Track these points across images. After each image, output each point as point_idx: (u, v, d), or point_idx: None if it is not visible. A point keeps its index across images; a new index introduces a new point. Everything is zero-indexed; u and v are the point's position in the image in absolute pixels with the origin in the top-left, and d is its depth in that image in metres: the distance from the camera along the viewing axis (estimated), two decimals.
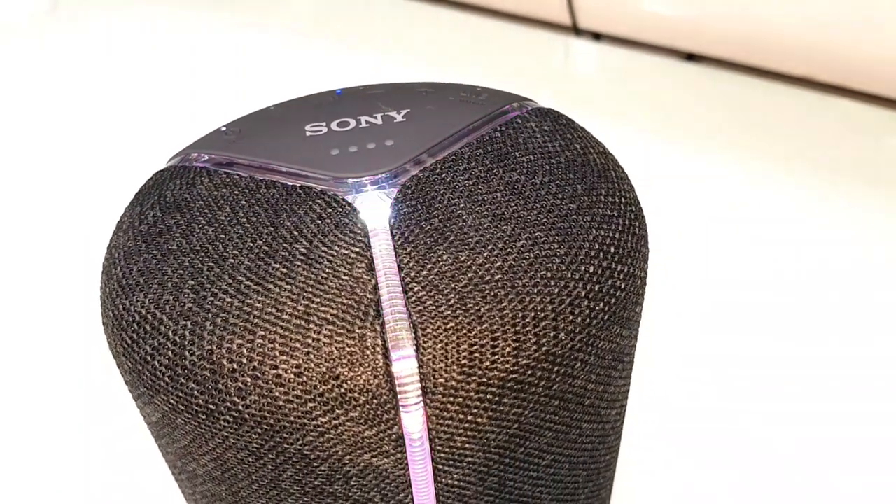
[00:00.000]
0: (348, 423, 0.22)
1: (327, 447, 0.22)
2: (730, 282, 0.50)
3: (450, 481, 0.24)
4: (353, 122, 0.28)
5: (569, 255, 0.23)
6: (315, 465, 0.23)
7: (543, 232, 0.24)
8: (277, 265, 0.23)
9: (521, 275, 0.23)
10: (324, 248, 0.23)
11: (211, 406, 0.22)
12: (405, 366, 0.21)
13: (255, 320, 0.22)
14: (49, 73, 0.85)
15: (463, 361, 0.22)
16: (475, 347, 0.22)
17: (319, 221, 0.24)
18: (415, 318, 0.22)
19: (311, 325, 0.22)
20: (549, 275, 0.23)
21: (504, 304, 0.22)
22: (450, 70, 0.76)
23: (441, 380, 0.22)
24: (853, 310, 0.48)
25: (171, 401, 0.23)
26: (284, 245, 0.23)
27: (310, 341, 0.21)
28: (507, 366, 0.22)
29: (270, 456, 0.23)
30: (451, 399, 0.22)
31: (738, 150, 0.64)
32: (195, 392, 0.22)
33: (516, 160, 0.26)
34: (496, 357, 0.22)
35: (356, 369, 0.21)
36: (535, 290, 0.22)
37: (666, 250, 0.51)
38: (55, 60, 0.88)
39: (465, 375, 0.22)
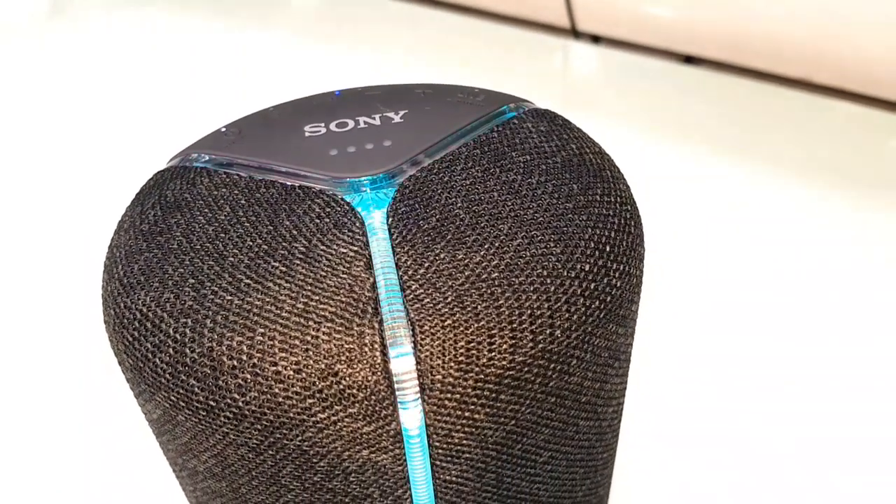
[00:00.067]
0: (347, 420, 0.22)
1: (326, 443, 0.22)
2: (727, 282, 0.51)
3: (448, 477, 0.24)
4: (351, 123, 0.29)
5: (565, 253, 0.24)
6: (314, 461, 0.23)
7: (540, 231, 0.24)
8: (277, 264, 0.23)
9: (517, 273, 0.23)
10: (323, 247, 0.24)
11: (211, 402, 0.22)
12: (403, 363, 0.22)
13: (255, 318, 0.22)
14: (49, 73, 0.85)
15: (460, 358, 0.22)
16: (472, 344, 0.22)
17: (318, 221, 0.24)
18: (412, 315, 0.22)
19: (311, 323, 0.22)
20: (545, 273, 0.23)
21: (501, 302, 0.22)
22: (449, 72, 0.77)
23: (438, 376, 0.22)
24: (851, 310, 0.48)
25: (172, 397, 0.23)
26: (284, 244, 0.24)
27: (309, 338, 0.22)
28: (504, 362, 0.22)
29: (270, 452, 0.23)
30: (449, 395, 0.22)
31: (735, 152, 0.64)
32: (196, 389, 0.22)
33: (513, 160, 0.26)
34: (493, 354, 0.22)
35: (355, 366, 0.22)
36: (532, 288, 0.23)
37: (663, 251, 0.51)
38: (55, 61, 0.88)
39: (462, 372, 0.22)
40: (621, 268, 0.25)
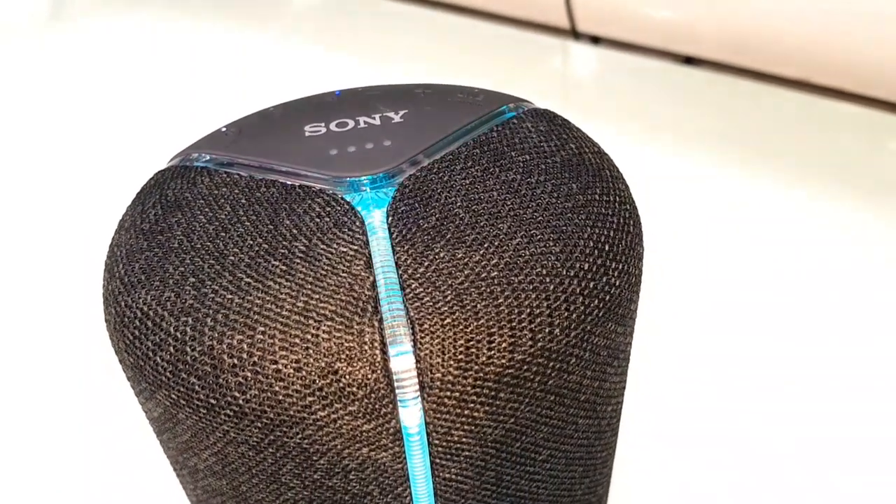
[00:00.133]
0: (347, 417, 0.22)
1: (326, 441, 0.22)
2: (726, 282, 0.51)
3: (447, 475, 0.24)
4: (351, 123, 0.29)
5: (564, 252, 0.24)
6: (314, 458, 0.23)
7: (539, 230, 0.24)
8: (277, 262, 0.23)
9: (516, 272, 0.23)
10: (323, 246, 0.24)
11: (212, 400, 0.22)
12: (403, 361, 0.22)
13: (256, 316, 0.22)
14: (50, 74, 0.86)
15: (460, 356, 0.22)
16: (472, 343, 0.22)
17: (318, 220, 0.24)
18: (412, 314, 0.22)
19: (311, 321, 0.22)
20: (544, 272, 0.23)
21: (500, 301, 0.22)
22: (449, 73, 0.77)
23: (438, 374, 0.22)
24: (851, 310, 0.48)
25: (173, 396, 0.23)
26: (284, 243, 0.24)
27: (309, 337, 0.22)
28: (504, 361, 0.22)
29: (270, 450, 0.23)
30: (448, 393, 0.22)
31: (735, 153, 0.64)
32: (196, 387, 0.22)
33: (512, 160, 0.27)
34: (492, 352, 0.22)
35: (354, 364, 0.22)
36: (531, 287, 0.23)
37: (662, 251, 0.51)
38: (56, 62, 0.88)
39: (461, 370, 0.22)
40: (620, 267, 0.25)
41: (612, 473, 0.35)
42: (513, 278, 0.23)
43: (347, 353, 0.22)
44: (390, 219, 0.24)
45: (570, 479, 0.28)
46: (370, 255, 0.23)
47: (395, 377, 0.22)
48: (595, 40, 0.84)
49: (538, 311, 0.23)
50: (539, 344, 0.23)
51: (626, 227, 0.26)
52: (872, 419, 0.41)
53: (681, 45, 0.77)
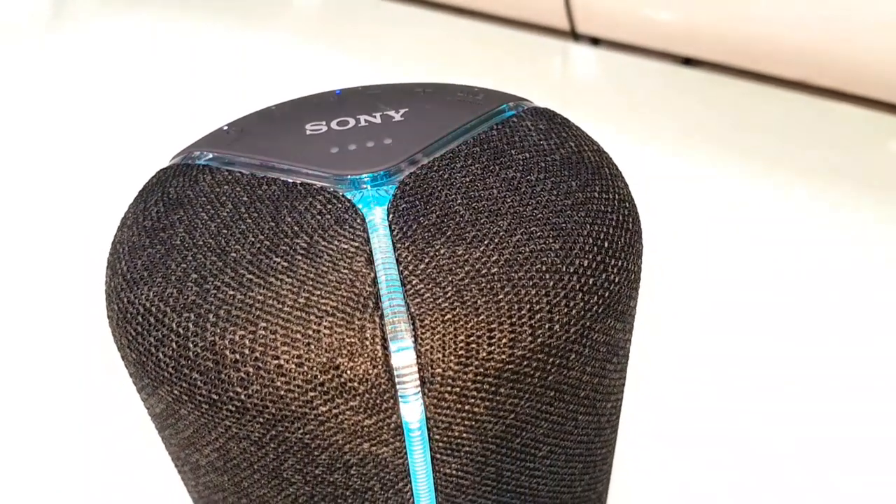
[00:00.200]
0: (348, 412, 0.22)
1: (328, 436, 0.23)
2: (725, 282, 0.51)
3: (448, 471, 0.24)
4: (352, 122, 0.29)
5: (563, 249, 0.24)
6: (316, 453, 0.23)
7: (539, 227, 0.24)
8: (279, 259, 0.23)
9: (516, 268, 0.23)
10: (324, 243, 0.24)
11: (214, 396, 0.23)
12: (404, 356, 0.22)
13: (257, 312, 0.22)
14: (52, 74, 0.86)
15: (460, 352, 0.22)
16: (472, 338, 0.22)
17: (319, 217, 0.25)
18: (413, 310, 0.22)
19: (312, 317, 0.22)
20: (544, 268, 0.23)
21: (500, 297, 0.23)
22: (449, 74, 0.77)
23: (439, 370, 0.22)
24: (851, 310, 0.48)
25: (175, 391, 0.23)
26: (285, 240, 0.24)
27: (310, 332, 0.22)
28: (504, 356, 0.22)
29: (272, 445, 0.23)
30: (449, 388, 0.22)
31: (735, 154, 0.64)
32: (198, 382, 0.23)
33: (512, 158, 0.27)
34: (492, 348, 0.22)
35: (356, 359, 0.22)
36: (531, 283, 0.23)
37: (662, 251, 0.51)
38: (57, 62, 0.89)
39: (462, 365, 0.22)
40: (619, 263, 0.25)
41: (612, 471, 0.35)
42: (513, 274, 0.23)
43: (349, 348, 0.22)
44: (391, 216, 0.25)
45: (569, 476, 0.28)
46: (371, 251, 0.23)
47: (395, 372, 0.22)
48: (595, 42, 0.84)
49: (538, 307, 0.23)
50: (539, 340, 0.23)
51: (626, 224, 0.26)
52: (872, 419, 0.41)
53: (680, 47, 0.78)
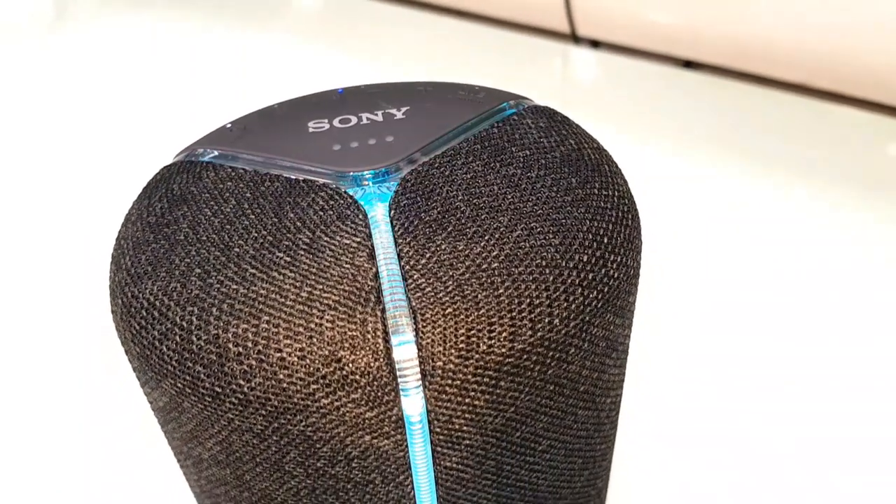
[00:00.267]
0: (350, 405, 0.22)
1: (329, 428, 0.23)
2: (725, 282, 0.51)
3: (448, 464, 0.24)
4: (354, 119, 0.29)
5: (563, 244, 0.24)
6: (318, 446, 0.23)
7: (539, 223, 0.24)
8: (281, 254, 0.24)
9: (516, 263, 0.23)
10: (326, 238, 0.24)
11: (217, 389, 0.23)
12: (405, 350, 0.22)
13: (260, 306, 0.23)
14: (55, 74, 0.86)
15: (461, 345, 0.22)
16: (472, 332, 0.22)
17: (322, 213, 0.25)
18: (414, 304, 0.22)
19: (314, 311, 0.22)
20: (543, 263, 0.24)
21: (500, 291, 0.23)
22: (450, 76, 0.77)
23: (439, 363, 0.22)
24: (851, 311, 0.48)
25: (179, 384, 0.23)
26: (288, 235, 0.24)
27: (313, 326, 0.22)
28: (504, 350, 0.23)
29: (274, 438, 0.23)
30: (450, 382, 0.23)
31: (735, 155, 0.65)
32: (202, 375, 0.23)
33: (513, 155, 0.27)
34: (493, 341, 0.23)
35: (357, 352, 0.22)
36: (531, 278, 0.23)
37: (662, 251, 0.52)
38: (61, 62, 0.89)
39: (462, 359, 0.22)
40: (619, 259, 0.25)
41: (612, 469, 0.35)
42: (513, 269, 0.23)
43: (350, 341, 0.22)
44: (392, 212, 0.25)
45: (569, 471, 0.28)
46: (373, 246, 0.24)
47: (397, 366, 0.22)
48: (595, 44, 0.85)
49: (538, 301, 0.23)
50: (539, 334, 0.23)
51: (625, 220, 0.26)
52: (872, 419, 0.41)
53: (680, 49, 0.78)
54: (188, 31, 0.93)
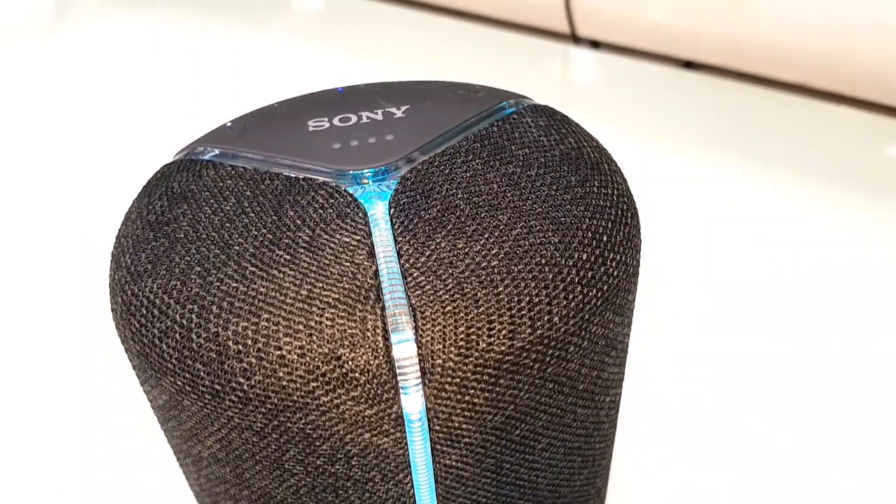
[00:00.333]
0: (349, 403, 0.22)
1: (329, 426, 0.23)
2: (725, 282, 0.51)
3: (448, 462, 0.24)
4: (354, 118, 0.29)
5: (563, 242, 0.24)
6: (317, 444, 0.23)
7: (538, 221, 0.24)
8: (281, 252, 0.24)
9: (516, 261, 0.23)
10: (326, 237, 0.24)
11: (217, 386, 0.23)
12: (405, 347, 0.22)
13: (260, 304, 0.23)
14: (56, 74, 0.86)
15: (460, 343, 0.22)
16: (472, 330, 0.22)
17: (322, 211, 0.25)
18: (414, 301, 0.23)
19: (314, 309, 0.22)
20: (543, 261, 0.24)
21: (500, 289, 0.23)
22: (450, 77, 0.77)
23: (439, 361, 0.22)
24: (850, 311, 0.48)
25: (179, 382, 0.23)
26: (288, 233, 0.24)
27: (312, 324, 0.22)
28: (503, 348, 0.23)
29: (274, 435, 0.23)
30: (449, 379, 0.23)
31: (735, 156, 0.65)
32: (201, 373, 0.23)
33: (512, 153, 0.27)
34: (492, 339, 0.23)
35: (357, 350, 0.22)
36: (530, 276, 0.23)
37: (662, 251, 0.52)
38: (61, 62, 0.89)
39: (462, 357, 0.22)
40: (618, 257, 0.25)
41: (612, 468, 0.35)
42: (512, 267, 0.23)
43: (350, 339, 0.22)
44: (392, 210, 0.25)
45: (568, 469, 0.28)
46: (373, 245, 0.24)
47: (396, 363, 0.22)
48: (595, 45, 0.85)
49: (537, 299, 0.23)
50: (538, 332, 0.23)
51: (624, 219, 0.26)
52: (872, 419, 0.41)
53: (680, 50, 0.78)
54: (189, 31, 0.93)
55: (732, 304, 0.49)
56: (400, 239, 0.24)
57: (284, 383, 0.22)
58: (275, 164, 0.27)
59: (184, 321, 0.23)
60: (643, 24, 0.78)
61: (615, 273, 0.25)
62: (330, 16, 0.99)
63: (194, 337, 0.23)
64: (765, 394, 0.43)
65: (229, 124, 0.30)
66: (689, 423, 0.42)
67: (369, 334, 0.22)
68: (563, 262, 0.24)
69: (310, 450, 0.24)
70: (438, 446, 0.24)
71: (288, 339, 0.22)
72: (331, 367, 0.22)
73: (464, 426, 0.24)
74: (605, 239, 0.25)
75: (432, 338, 0.22)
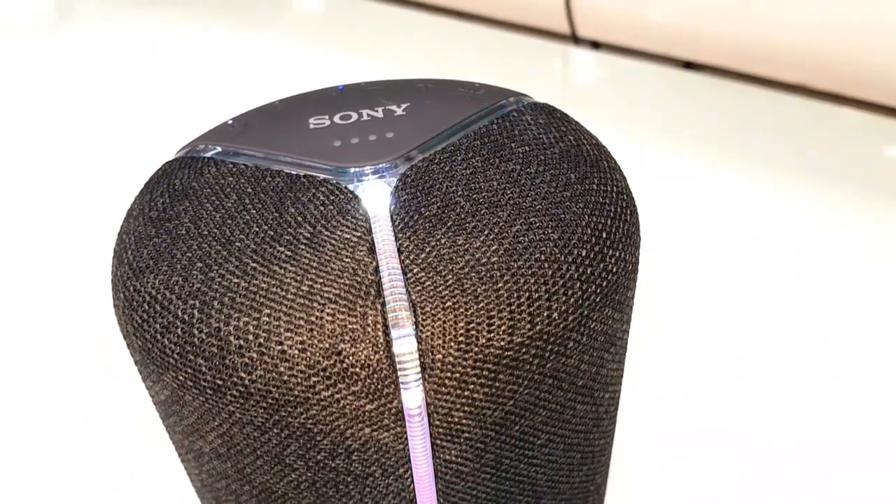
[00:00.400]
0: (350, 397, 0.22)
1: (330, 420, 0.23)
2: (725, 282, 0.51)
3: (447, 457, 0.24)
4: (354, 116, 0.29)
5: (562, 239, 0.24)
6: (318, 438, 0.23)
7: (538, 218, 0.25)
8: (282, 248, 0.24)
9: (515, 257, 0.24)
10: (327, 233, 0.24)
11: (218, 381, 0.23)
12: (405, 342, 0.22)
13: (261, 299, 0.23)
14: (58, 74, 0.87)
15: (460, 338, 0.23)
16: (472, 325, 0.23)
17: (322, 208, 0.25)
18: (414, 297, 0.23)
19: (315, 304, 0.23)
20: (542, 258, 0.24)
21: (499, 285, 0.23)
22: (449, 76, 0.77)
23: (439, 356, 0.22)
24: (850, 310, 0.48)
25: (180, 377, 0.24)
26: (289, 230, 0.24)
27: (313, 319, 0.22)
28: (503, 343, 0.23)
29: (275, 430, 0.23)
30: (449, 375, 0.23)
31: (735, 156, 0.65)
32: (203, 368, 0.23)
33: (512, 151, 0.27)
34: (492, 335, 0.23)
35: (357, 345, 0.22)
36: (530, 272, 0.23)
37: (662, 251, 0.52)
38: (62, 62, 0.89)
39: (461, 352, 0.23)
40: (617, 254, 0.25)
41: (612, 466, 0.35)
42: (512, 264, 0.23)
43: (351, 334, 0.22)
44: (393, 207, 0.25)
45: (568, 465, 0.28)
46: (373, 241, 0.24)
47: (397, 358, 0.22)
48: (595, 45, 0.85)
49: (537, 295, 0.23)
50: (537, 327, 0.23)
51: (623, 215, 0.26)
52: (872, 419, 0.41)
53: (680, 50, 0.78)
54: (189, 31, 0.94)
55: (732, 304, 0.49)
56: (400, 235, 0.24)
57: (285, 378, 0.22)
58: (276, 162, 0.27)
59: (185, 316, 0.23)
60: (643, 24, 0.78)
61: (614, 269, 0.25)
62: (331, 16, 0.99)
63: (196, 332, 0.23)
64: (764, 393, 0.43)
65: (230, 122, 0.30)
66: (688, 422, 0.42)
67: (370, 330, 0.22)
68: (562, 258, 0.24)
69: (310, 444, 0.24)
70: (438, 441, 0.24)
71: (289, 335, 0.22)
72: (331, 362, 0.22)
73: (463, 421, 0.24)
74: (604, 236, 0.25)
75: (432, 333, 0.22)
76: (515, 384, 0.24)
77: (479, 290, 0.23)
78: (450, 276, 0.23)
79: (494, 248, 0.24)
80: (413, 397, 0.23)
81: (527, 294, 0.23)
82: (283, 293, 0.23)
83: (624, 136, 0.66)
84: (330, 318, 0.22)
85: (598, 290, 0.24)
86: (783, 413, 0.42)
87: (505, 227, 0.24)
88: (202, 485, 0.29)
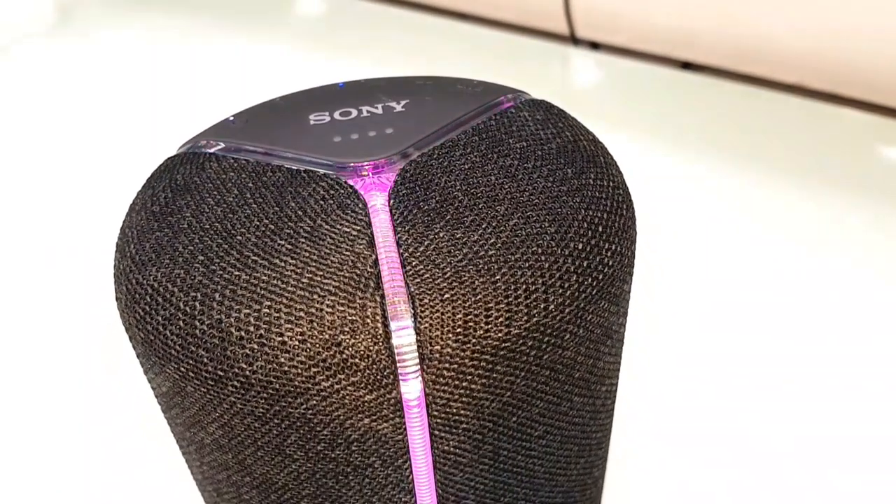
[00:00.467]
0: (349, 388, 0.23)
1: (329, 411, 0.23)
2: (723, 282, 0.51)
3: (446, 448, 0.25)
4: (354, 112, 0.30)
5: (559, 232, 0.25)
6: (318, 429, 0.24)
7: (535, 212, 0.25)
8: (283, 242, 0.24)
9: (513, 250, 0.24)
10: (327, 227, 0.25)
11: (219, 372, 0.23)
12: (404, 334, 0.23)
13: (262, 291, 0.23)
14: (60, 76, 0.87)
15: (458, 330, 0.23)
16: (469, 317, 0.23)
17: (323, 202, 0.25)
18: (413, 289, 0.23)
19: (315, 296, 0.23)
20: (539, 251, 0.24)
21: (497, 278, 0.23)
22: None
23: (437, 347, 0.23)
24: (849, 310, 0.48)
25: (182, 369, 0.24)
26: (289, 223, 0.25)
27: (313, 311, 0.23)
28: (500, 335, 0.23)
29: (276, 421, 0.24)
30: (447, 366, 0.23)
31: (734, 156, 0.65)
32: (204, 359, 0.23)
33: (510, 146, 0.28)
34: (489, 326, 0.23)
35: (357, 336, 0.22)
36: (527, 265, 0.24)
37: (661, 251, 0.52)
38: (64, 64, 0.90)
39: (460, 343, 0.23)
40: (613, 247, 0.26)
41: (610, 464, 0.36)
42: (509, 256, 0.24)
43: (350, 325, 0.23)
44: (392, 201, 0.25)
45: (565, 458, 0.28)
46: (372, 234, 0.24)
47: (396, 350, 0.23)
48: (594, 46, 0.85)
49: (534, 287, 0.23)
50: (534, 319, 0.23)
51: (620, 210, 0.27)
52: (871, 418, 0.42)
53: (679, 51, 0.78)
54: (190, 33, 0.94)
55: (731, 304, 0.49)
56: (399, 229, 0.24)
57: (286, 369, 0.23)
58: (276, 157, 0.28)
59: (187, 308, 0.23)
60: (642, 25, 0.79)
61: (610, 262, 0.25)
62: (331, 18, 1.00)
63: (197, 324, 0.23)
64: (762, 392, 0.43)
65: (232, 118, 0.31)
66: (686, 420, 0.42)
67: (369, 321, 0.23)
68: (559, 251, 0.24)
69: (310, 435, 0.24)
70: (437, 432, 0.24)
71: (289, 326, 0.23)
72: (331, 353, 0.22)
73: (462, 412, 0.24)
74: (600, 229, 0.25)
75: (431, 325, 0.23)
76: (513, 375, 0.24)
77: (476, 282, 0.23)
78: (448, 269, 0.23)
79: (492, 241, 0.24)
80: (412, 388, 0.23)
81: (524, 286, 0.23)
82: (284, 285, 0.23)
83: (623, 137, 0.66)
84: (330, 309, 0.23)
85: (595, 283, 0.25)
86: (780, 411, 0.42)
87: (502, 220, 0.25)
88: (203, 477, 0.29)
